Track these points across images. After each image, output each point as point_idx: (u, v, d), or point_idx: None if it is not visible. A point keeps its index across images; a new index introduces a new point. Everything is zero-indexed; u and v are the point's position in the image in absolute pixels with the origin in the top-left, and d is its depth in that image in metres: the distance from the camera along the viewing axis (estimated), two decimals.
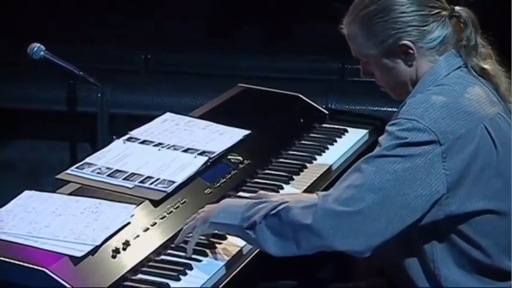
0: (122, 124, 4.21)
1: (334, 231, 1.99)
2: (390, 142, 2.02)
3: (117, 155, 2.58)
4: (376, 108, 4.58)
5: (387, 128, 2.07)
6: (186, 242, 2.22)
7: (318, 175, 2.71)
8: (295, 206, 2.06)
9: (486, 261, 2.10)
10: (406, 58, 2.14)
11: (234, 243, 2.25)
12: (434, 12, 2.13)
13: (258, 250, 2.24)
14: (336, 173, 2.79)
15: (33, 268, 1.96)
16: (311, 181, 2.67)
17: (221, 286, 2.11)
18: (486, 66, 2.17)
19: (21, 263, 1.98)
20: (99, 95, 3.24)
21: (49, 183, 2.58)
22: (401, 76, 2.17)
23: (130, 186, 2.42)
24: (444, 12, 2.15)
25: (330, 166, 2.80)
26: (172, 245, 2.23)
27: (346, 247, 2.01)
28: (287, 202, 2.09)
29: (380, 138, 2.08)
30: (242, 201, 2.21)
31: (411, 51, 2.12)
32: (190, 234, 2.21)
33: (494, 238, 2.10)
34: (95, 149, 2.68)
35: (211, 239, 2.26)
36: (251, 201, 2.17)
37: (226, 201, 2.26)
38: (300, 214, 2.03)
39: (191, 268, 2.14)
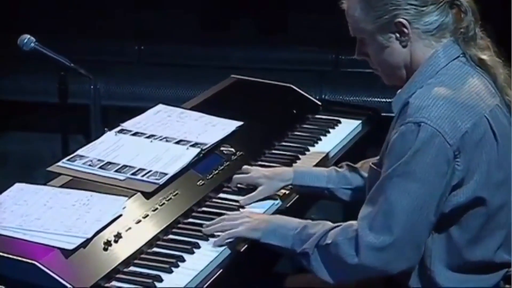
0: (115, 116, 4.19)
1: (382, 263, 2.07)
2: (404, 154, 2.03)
3: (109, 147, 2.56)
4: (370, 98, 4.58)
5: (398, 133, 2.06)
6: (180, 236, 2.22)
7: (312, 166, 2.70)
8: (341, 240, 2.10)
9: (480, 258, 2.11)
10: (400, 37, 2.14)
11: None
12: None
13: (250, 243, 2.24)
14: (330, 163, 2.77)
15: (24, 261, 1.95)
16: None
17: (213, 278, 2.10)
18: (484, 57, 2.17)
19: (11, 256, 1.97)
20: (91, 86, 3.22)
21: (42, 175, 2.57)
22: (394, 56, 2.17)
23: (122, 178, 2.41)
24: None
25: (324, 157, 2.79)
26: (174, 230, 2.25)
27: (397, 271, 2.08)
28: (332, 229, 2.14)
29: (393, 144, 2.08)
30: (292, 222, 2.25)
31: (405, 30, 2.12)
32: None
33: (491, 230, 2.11)
34: (88, 141, 2.67)
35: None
36: (301, 223, 2.21)
37: (275, 219, 2.29)
38: (347, 251, 2.08)
39: (183, 260, 2.13)
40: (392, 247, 2.04)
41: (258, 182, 2.48)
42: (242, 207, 2.43)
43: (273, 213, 2.43)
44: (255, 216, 2.29)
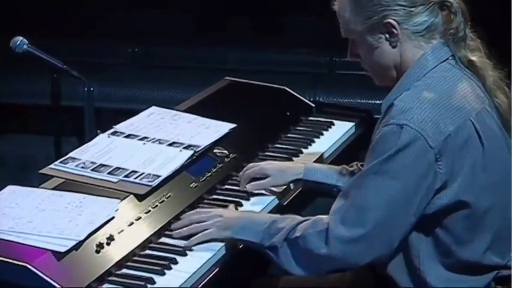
0: (110, 118, 4.19)
1: (351, 254, 2.07)
2: (385, 153, 2.04)
3: (102, 149, 2.56)
4: (364, 101, 4.58)
5: (381, 134, 2.07)
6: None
7: None
8: (310, 233, 2.11)
9: (469, 258, 2.11)
10: (390, 38, 2.15)
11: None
12: None
13: (243, 244, 2.24)
14: None
15: (16, 264, 1.95)
16: None
17: (205, 280, 2.10)
18: (473, 58, 2.18)
19: (3, 259, 1.96)
20: (85, 89, 3.22)
21: (37, 177, 2.56)
22: (384, 57, 2.17)
23: (115, 180, 2.40)
24: None
25: (317, 159, 2.79)
26: (167, 232, 2.26)
27: (366, 262, 2.08)
28: (301, 222, 2.15)
29: (375, 144, 2.08)
30: (262, 217, 2.27)
31: (395, 31, 2.13)
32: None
33: (477, 233, 2.11)
34: (81, 144, 2.67)
35: None
36: (270, 218, 2.22)
37: (246, 215, 2.30)
38: (316, 243, 2.09)
39: (176, 263, 2.13)
40: (362, 240, 2.05)
41: (268, 173, 2.51)
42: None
43: (272, 210, 2.44)
44: (225, 214, 2.29)
